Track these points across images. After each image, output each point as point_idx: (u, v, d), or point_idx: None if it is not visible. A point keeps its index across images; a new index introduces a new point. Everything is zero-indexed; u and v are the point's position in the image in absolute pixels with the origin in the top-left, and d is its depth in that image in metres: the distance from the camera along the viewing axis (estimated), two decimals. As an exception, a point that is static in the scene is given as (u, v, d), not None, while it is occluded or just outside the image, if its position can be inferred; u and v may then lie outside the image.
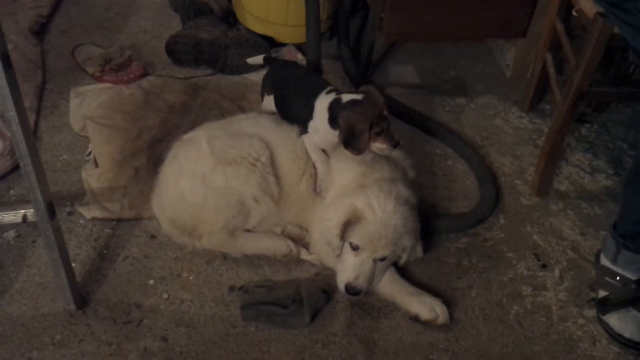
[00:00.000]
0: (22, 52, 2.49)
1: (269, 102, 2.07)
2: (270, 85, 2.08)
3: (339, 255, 1.80)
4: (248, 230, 1.92)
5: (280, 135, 1.94)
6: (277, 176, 1.90)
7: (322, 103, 1.85)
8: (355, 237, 1.75)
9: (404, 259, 1.83)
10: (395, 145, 1.80)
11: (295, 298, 1.75)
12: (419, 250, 1.86)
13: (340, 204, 1.81)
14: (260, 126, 1.95)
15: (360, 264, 1.75)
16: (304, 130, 1.92)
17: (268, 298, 1.76)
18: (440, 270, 1.95)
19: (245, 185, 1.84)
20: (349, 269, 1.76)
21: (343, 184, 1.87)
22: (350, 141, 1.76)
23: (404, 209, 1.78)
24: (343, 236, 1.76)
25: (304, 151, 1.93)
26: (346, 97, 1.81)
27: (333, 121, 1.81)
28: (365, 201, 1.76)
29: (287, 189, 1.92)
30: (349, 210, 1.77)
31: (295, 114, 1.96)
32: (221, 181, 1.84)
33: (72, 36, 2.73)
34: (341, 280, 1.78)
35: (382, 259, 1.77)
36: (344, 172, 1.89)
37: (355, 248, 1.76)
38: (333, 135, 1.82)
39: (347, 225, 1.75)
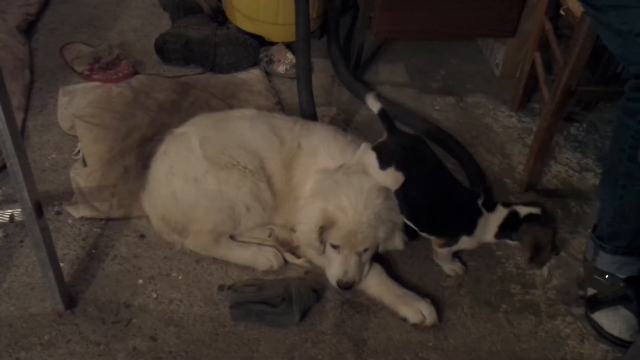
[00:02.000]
0: (10, 51, 2.47)
1: (393, 178, 1.76)
2: (395, 163, 1.75)
3: (322, 255, 1.82)
4: (232, 237, 1.92)
5: (275, 143, 1.91)
6: (269, 183, 1.89)
7: (492, 220, 1.77)
8: (333, 239, 1.76)
9: (382, 248, 1.84)
10: (558, 252, 1.92)
11: (285, 297, 1.75)
12: (398, 241, 1.85)
13: (313, 206, 1.80)
14: (255, 131, 1.92)
15: (345, 260, 1.77)
16: (446, 244, 1.84)
17: (257, 297, 1.76)
18: (429, 269, 1.95)
19: (237, 191, 1.84)
20: (335, 267, 1.78)
21: (316, 178, 1.86)
22: (534, 257, 1.74)
23: (375, 203, 1.76)
24: (321, 239, 1.77)
25: (295, 170, 1.90)
26: (523, 211, 1.76)
27: (506, 234, 1.78)
28: (336, 203, 1.75)
29: (279, 196, 1.91)
30: (321, 215, 1.76)
31: (438, 227, 1.82)
32: (213, 185, 1.83)
33: (61, 34, 2.71)
34: (332, 278, 1.80)
35: (365, 250, 1.79)
36: (315, 165, 1.88)
37: (336, 247, 1.77)
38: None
39: (323, 230, 1.76)
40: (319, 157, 1.89)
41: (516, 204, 1.79)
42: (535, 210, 1.76)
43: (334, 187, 1.78)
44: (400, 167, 1.73)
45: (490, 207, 1.78)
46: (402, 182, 1.74)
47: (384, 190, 1.79)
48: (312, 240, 1.79)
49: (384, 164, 1.75)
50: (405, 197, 1.77)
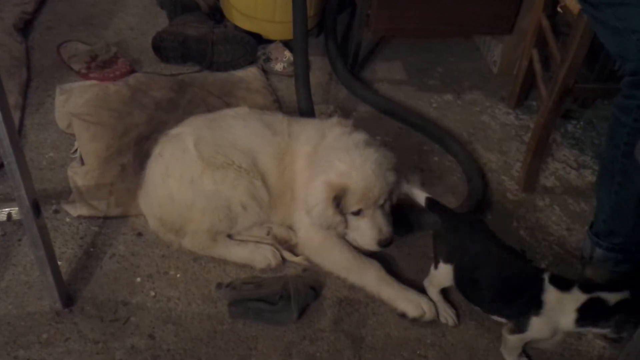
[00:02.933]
0: (6, 49, 2.47)
1: (445, 273, 1.73)
2: (446, 251, 1.70)
3: (346, 228, 1.83)
4: (230, 236, 1.92)
5: (268, 141, 1.92)
6: (265, 182, 1.89)
7: (567, 301, 1.57)
8: (351, 205, 1.78)
9: (395, 196, 1.86)
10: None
11: (283, 294, 1.75)
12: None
13: (314, 186, 1.80)
14: (248, 128, 1.93)
15: (374, 220, 1.80)
16: (517, 328, 1.63)
17: (256, 295, 1.76)
18: (427, 266, 1.94)
19: (233, 191, 1.84)
20: (368, 230, 1.82)
21: (301, 165, 1.88)
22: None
23: (368, 153, 1.79)
24: (340, 211, 1.78)
25: (286, 161, 1.90)
26: (612, 299, 1.53)
27: (593, 322, 1.56)
28: (335, 172, 1.78)
29: (275, 194, 1.91)
30: (328, 189, 1.77)
31: (501, 305, 1.67)
32: (209, 185, 1.83)
33: (58, 33, 2.71)
34: (370, 242, 1.84)
35: (385, 202, 1.82)
36: (299, 151, 1.90)
37: (357, 213, 1.79)
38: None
39: (338, 201, 1.77)
40: (300, 142, 1.91)
41: (596, 287, 1.56)
42: (625, 295, 1.53)
43: (323, 160, 1.80)
44: (450, 260, 1.70)
45: (563, 286, 1.59)
46: (453, 272, 1.69)
47: (367, 141, 1.84)
48: (331, 217, 1.79)
49: (435, 262, 1.75)
50: (466, 281, 1.69)
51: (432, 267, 1.78)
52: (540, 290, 1.59)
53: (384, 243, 1.83)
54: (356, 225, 1.83)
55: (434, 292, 1.81)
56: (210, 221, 1.85)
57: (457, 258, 1.69)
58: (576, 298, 1.56)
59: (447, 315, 1.80)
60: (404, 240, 1.99)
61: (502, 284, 1.64)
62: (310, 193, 1.81)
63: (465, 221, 1.78)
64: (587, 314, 1.55)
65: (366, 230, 1.83)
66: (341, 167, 1.77)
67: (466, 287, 1.71)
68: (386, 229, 1.82)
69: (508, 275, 1.64)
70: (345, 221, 1.82)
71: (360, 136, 1.86)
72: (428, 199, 1.79)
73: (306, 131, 1.93)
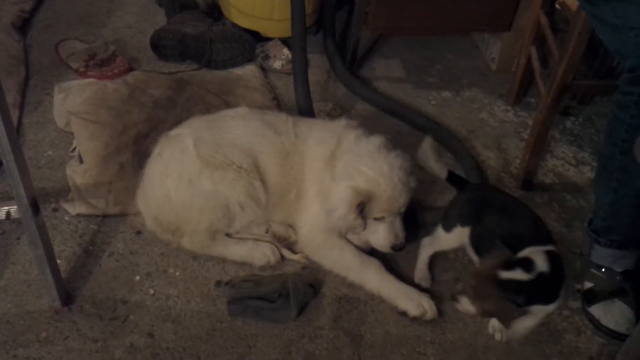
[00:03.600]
0: (4, 48, 2.47)
1: (458, 236, 1.81)
2: (461, 221, 1.78)
3: (364, 231, 1.84)
4: (229, 234, 1.92)
5: (270, 140, 1.91)
6: (265, 182, 1.89)
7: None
8: (375, 212, 1.79)
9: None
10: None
11: (282, 292, 1.75)
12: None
13: (339, 190, 1.80)
14: (249, 128, 1.92)
15: (392, 226, 1.82)
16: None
17: (255, 293, 1.76)
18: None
19: (232, 190, 1.84)
20: (385, 235, 1.83)
21: (315, 167, 1.88)
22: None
23: (392, 160, 1.81)
24: (362, 216, 1.79)
25: (292, 161, 1.91)
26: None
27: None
28: (363, 178, 1.78)
29: (276, 193, 1.91)
30: (354, 194, 1.77)
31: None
32: (208, 185, 1.83)
33: (56, 31, 2.70)
34: (384, 245, 1.85)
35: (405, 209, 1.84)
36: (310, 151, 1.91)
37: (379, 218, 1.80)
38: None
39: (362, 207, 1.77)
40: (310, 143, 1.91)
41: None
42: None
43: (347, 165, 1.81)
44: (466, 222, 1.77)
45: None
46: (469, 234, 1.76)
47: (387, 145, 1.85)
48: (351, 221, 1.80)
49: (448, 226, 1.81)
50: (484, 239, 1.72)
51: (441, 231, 1.83)
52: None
53: (398, 248, 1.84)
54: (374, 229, 1.84)
55: (428, 253, 1.89)
56: (208, 220, 1.84)
57: (475, 220, 1.75)
58: None
59: (422, 277, 1.88)
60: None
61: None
62: (334, 196, 1.81)
63: (484, 188, 2.00)
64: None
65: (383, 235, 1.84)
66: (369, 174, 1.77)
67: (482, 243, 1.73)
68: (402, 234, 1.84)
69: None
70: (364, 225, 1.82)
71: (378, 140, 1.86)
72: (450, 172, 1.91)
73: (316, 132, 1.93)
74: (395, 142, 1.95)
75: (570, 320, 1.86)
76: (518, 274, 1.53)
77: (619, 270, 1.83)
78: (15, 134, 1.48)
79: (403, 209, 1.83)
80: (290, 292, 1.75)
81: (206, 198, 1.83)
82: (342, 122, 1.96)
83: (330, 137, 1.90)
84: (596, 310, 1.83)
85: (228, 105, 2.34)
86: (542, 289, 1.56)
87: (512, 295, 1.53)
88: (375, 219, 1.81)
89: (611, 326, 1.80)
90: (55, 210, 1.98)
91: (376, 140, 1.86)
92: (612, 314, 1.81)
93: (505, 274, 1.54)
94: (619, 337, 1.79)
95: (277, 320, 1.75)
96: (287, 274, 1.86)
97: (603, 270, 1.85)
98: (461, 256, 1.99)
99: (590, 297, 1.85)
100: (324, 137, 1.90)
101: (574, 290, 1.92)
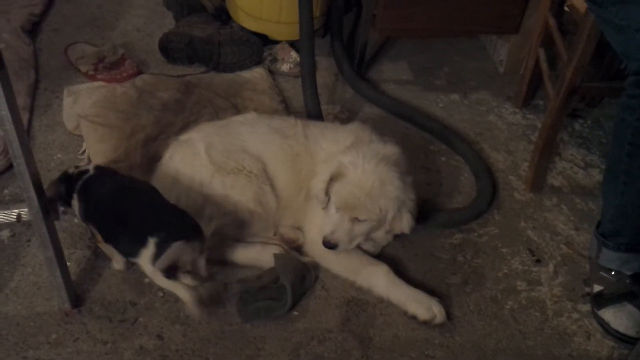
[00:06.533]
0: (14, 51, 2.48)
1: None
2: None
3: (325, 209, 1.84)
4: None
5: (278, 145, 1.92)
6: (274, 186, 1.89)
7: None
8: (334, 195, 1.79)
9: (386, 229, 1.85)
10: None
11: (282, 276, 1.77)
12: (405, 223, 1.84)
13: (332, 160, 1.83)
14: (257, 134, 1.94)
15: (339, 221, 1.80)
16: None
17: (259, 284, 1.78)
18: (434, 266, 1.95)
19: (242, 196, 1.84)
20: (328, 223, 1.81)
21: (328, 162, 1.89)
22: None
23: (385, 171, 1.78)
24: (327, 192, 1.80)
25: (302, 162, 1.92)
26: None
27: None
28: (351, 158, 1.79)
29: (284, 199, 1.92)
30: (336, 166, 1.80)
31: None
32: (219, 190, 1.84)
33: (65, 34, 2.72)
34: (319, 233, 1.84)
35: (362, 220, 1.79)
36: (323, 151, 1.92)
37: (338, 210, 1.80)
38: None
39: (332, 181, 1.79)
40: (324, 146, 1.92)
41: None
42: None
43: (356, 147, 1.83)
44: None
45: None
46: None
47: (401, 165, 1.84)
48: (320, 191, 1.82)
49: None
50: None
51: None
52: None
53: (326, 243, 1.80)
54: (329, 212, 1.83)
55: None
56: (217, 225, 1.85)
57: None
58: None
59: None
60: (411, 240, 1.99)
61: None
62: (326, 164, 1.85)
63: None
64: None
65: (327, 222, 1.82)
66: (357, 160, 1.78)
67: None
68: (337, 235, 1.79)
69: None
70: (327, 203, 1.82)
71: (391, 150, 1.87)
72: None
73: (330, 134, 1.95)
74: (402, 144, 1.96)
75: (579, 323, 1.85)
76: None
77: (628, 273, 1.83)
78: (26, 137, 1.49)
79: (356, 215, 1.78)
80: (287, 285, 1.76)
81: (216, 203, 1.83)
82: (354, 124, 1.98)
83: (346, 138, 1.91)
84: (606, 313, 1.82)
85: (236, 108, 2.35)
86: None
87: None
88: (337, 208, 1.81)
89: (621, 329, 1.79)
90: (65, 212, 1.99)
91: (388, 150, 1.85)
92: (622, 317, 1.80)
93: None
94: (629, 340, 1.78)
95: (273, 310, 1.76)
96: (285, 257, 1.85)
97: (612, 273, 1.84)
98: (470, 259, 1.98)
99: (599, 301, 1.84)
100: (339, 138, 1.92)
101: (584, 293, 1.91)
